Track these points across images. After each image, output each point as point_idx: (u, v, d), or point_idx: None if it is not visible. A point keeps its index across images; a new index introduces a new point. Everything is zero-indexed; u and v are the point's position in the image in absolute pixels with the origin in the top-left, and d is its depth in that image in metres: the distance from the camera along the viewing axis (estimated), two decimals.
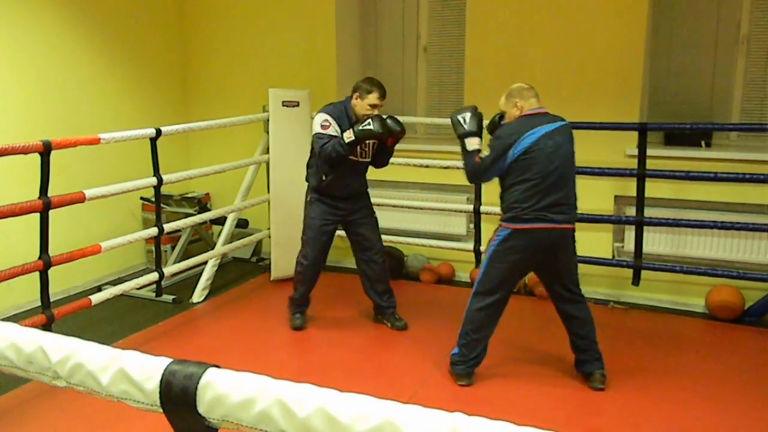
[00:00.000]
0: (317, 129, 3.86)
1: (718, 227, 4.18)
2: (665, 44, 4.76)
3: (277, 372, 0.93)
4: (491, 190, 4.69)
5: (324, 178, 3.95)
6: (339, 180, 3.95)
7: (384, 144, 3.95)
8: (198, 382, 0.88)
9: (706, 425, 3.09)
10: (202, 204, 5.34)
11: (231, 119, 4.83)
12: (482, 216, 4.70)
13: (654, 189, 4.33)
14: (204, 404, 0.87)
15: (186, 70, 5.87)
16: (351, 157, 3.88)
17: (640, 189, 4.25)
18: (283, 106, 4.93)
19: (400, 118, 3.94)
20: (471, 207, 4.72)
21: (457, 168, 4.69)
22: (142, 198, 5.24)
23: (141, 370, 0.92)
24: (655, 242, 4.52)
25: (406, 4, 5.45)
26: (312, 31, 5.38)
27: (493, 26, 4.86)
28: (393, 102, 5.58)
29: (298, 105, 4.97)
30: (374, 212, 4.18)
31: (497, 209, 4.64)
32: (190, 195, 5.48)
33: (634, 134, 4.32)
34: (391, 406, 0.79)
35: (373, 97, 3.84)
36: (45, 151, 3.26)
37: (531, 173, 3.18)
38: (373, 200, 4.21)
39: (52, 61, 4.67)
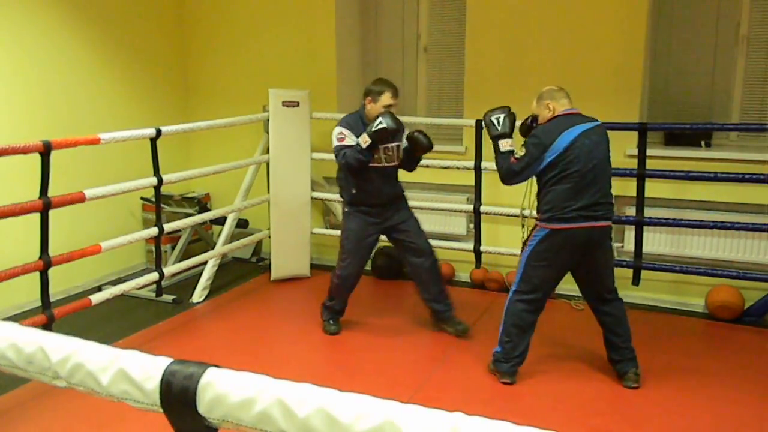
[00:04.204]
0: (335, 143, 3.82)
1: (717, 227, 4.18)
2: (665, 44, 4.76)
3: (277, 372, 0.93)
4: (491, 190, 4.71)
5: (354, 191, 3.88)
6: (371, 188, 3.86)
7: (411, 154, 3.90)
8: (198, 382, 0.88)
9: (707, 425, 3.09)
10: (202, 204, 5.34)
11: (231, 119, 4.83)
12: (482, 216, 4.69)
13: (654, 189, 4.33)
14: (204, 404, 0.87)
15: (186, 70, 5.87)
16: (376, 164, 3.81)
17: (640, 189, 4.25)
18: (283, 106, 4.93)
19: (401, 118, 3.89)
20: (471, 207, 4.72)
21: (458, 168, 4.71)
22: (142, 198, 5.24)
23: (141, 370, 0.92)
24: (655, 242, 4.52)
25: (406, 4, 5.45)
26: (312, 31, 5.38)
27: (493, 25, 4.86)
28: None
29: (298, 105, 4.97)
30: (413, 214, 4.05)
31: (497, 209, 4.69)
32: (190, 195, 5.48)
33: (634, 134, 4.32)
34: (391, 406, 0.79)
35: (386, 98, 3.77)
36: (45, 151, 3.26)
37: (569, 173, 3.18)
38: None
39: (53, 61, 4.67)
